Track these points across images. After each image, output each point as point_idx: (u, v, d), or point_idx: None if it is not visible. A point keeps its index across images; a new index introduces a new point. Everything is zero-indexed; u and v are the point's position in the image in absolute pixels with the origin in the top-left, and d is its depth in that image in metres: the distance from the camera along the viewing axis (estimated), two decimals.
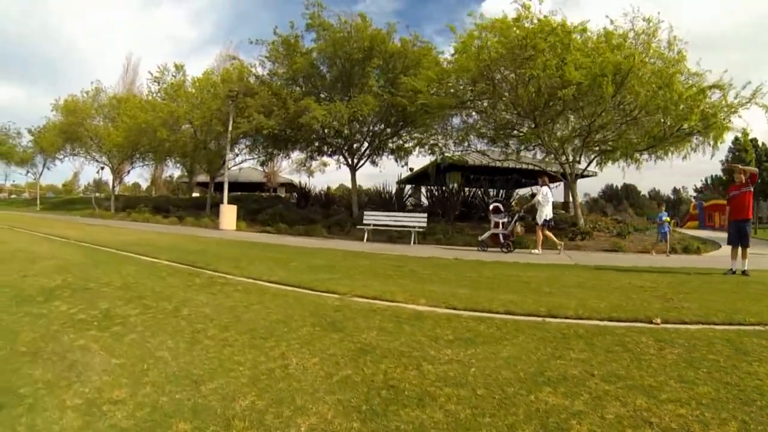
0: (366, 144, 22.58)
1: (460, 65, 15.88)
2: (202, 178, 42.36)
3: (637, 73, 14.17)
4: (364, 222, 16.71)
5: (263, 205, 26.39)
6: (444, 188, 23.80)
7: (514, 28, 14.84)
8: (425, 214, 16.33)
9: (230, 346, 3.49)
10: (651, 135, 15.90)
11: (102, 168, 35.90)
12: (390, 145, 22.71)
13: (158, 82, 24.93)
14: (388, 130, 22.04)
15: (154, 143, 24.43)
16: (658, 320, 4.44)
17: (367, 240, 15.73)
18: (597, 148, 18.12)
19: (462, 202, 22.90)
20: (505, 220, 13.37)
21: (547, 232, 13.00)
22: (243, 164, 28.75)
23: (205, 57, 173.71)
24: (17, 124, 51.50)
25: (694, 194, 74.03)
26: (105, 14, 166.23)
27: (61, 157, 36.91)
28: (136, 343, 3.54)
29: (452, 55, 17.36)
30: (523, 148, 19.76)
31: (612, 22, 15.12)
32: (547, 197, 13.13)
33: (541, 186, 13.52)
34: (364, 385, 2.74)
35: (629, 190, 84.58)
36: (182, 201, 33.59)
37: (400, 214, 17.98)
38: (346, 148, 22.69)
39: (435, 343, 3.63)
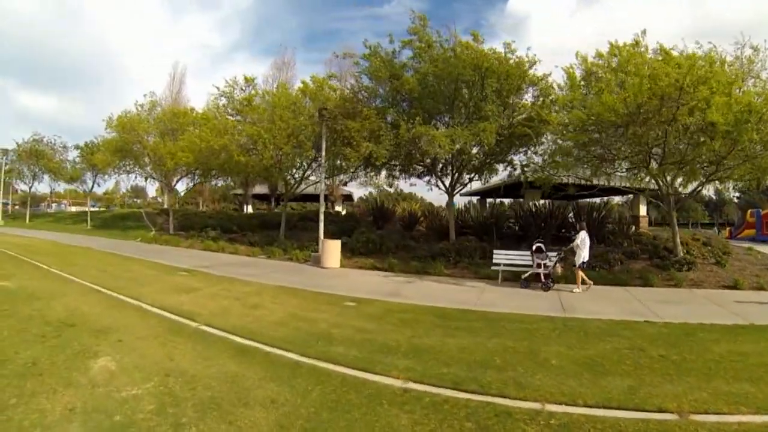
0: (452, 165, 19.07)
1: (605, 104, 12.93)
2: (258, 190, 39.32)
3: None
4: (494, 261, 14.62)
5: (342, 226, 23.24)
6: (536, 210, 20.92)
7: (666, 73, 12.50)
8: (555, 254, 13.51)
9: None
10: (758, 168, 13.92)
11: (146, 178, 32.92)
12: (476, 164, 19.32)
13: (226, 97, 21.10)
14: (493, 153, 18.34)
15: (230, 165, 20.55)
16: None
17: (502, 281, 14.11)
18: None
19: (557, 226, 20.00)
20: (546, 261, 13.03)
21: (582, 273, 12.69)
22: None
23: (230, 64, 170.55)
24: (63, 137, 48.41)
25: (737, 195, 69.50)
26: (136, 23, 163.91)
27: (115, 174, 32.87)
28: None
29: (572, 87, 14.87)
30: (614, 170, 17.24)
31: (715, 47, 13.26)
32: (585, 241, 12.82)
33: (579, 230, 13.22)
34: None
35: None
36: (244, 219, 30.20)
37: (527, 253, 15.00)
38: (439, 169, 19.56)
39: None
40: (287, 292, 11.38)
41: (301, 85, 20.02)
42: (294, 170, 22.92)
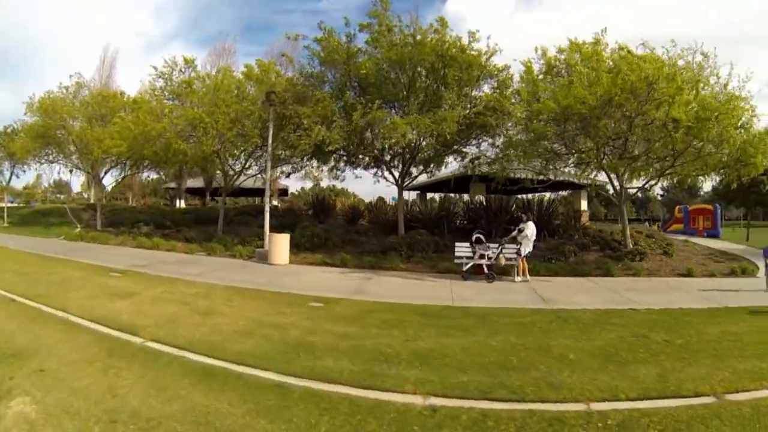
0: (403, 156, 17.88)
1: (576, 95, 12.74)
2: (192, 183, 36.23)
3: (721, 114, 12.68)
4: (457, 254, 13.21)
5: (282, 221, 21.52)
6: (486, 204, 20.37)
7: (639, 67, 12.64)
8: (496, 245, 12.92)
9: None
10: (707, 165, 14.36)
11: (71, 171, 29.35)
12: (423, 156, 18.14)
13: (164, 79, 18.41)
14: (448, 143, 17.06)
15: (167, 153, 18.06)
16: None
17: (464, 272, 12.61)
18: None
19: (507, 220, 19.48)
20: (489, 252, 12.48)
21: (524, 264, 12.50)
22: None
23: (166, 54, 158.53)
24: None
25: (661, 193, 73.44)
26: (65, 6, 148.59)
27: (36, 164, 28.40)
28: None
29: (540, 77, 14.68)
30: (563, 166, 17.45)
31: (667, 51, 13.47)
32: (534, 232, 12.66)
33: (527, 221, 12.89)
34: None
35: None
36: (177, 214, 27.53)
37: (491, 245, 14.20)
38: (388, 160, 18.41)
39: None
40: (240, 293, 9.76)
41: (245, 69, 18.00)
42: (234, 160, 20.91)
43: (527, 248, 12.45)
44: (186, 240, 19.26)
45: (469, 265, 12.56)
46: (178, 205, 36.75)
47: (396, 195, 32.20)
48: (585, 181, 20.08)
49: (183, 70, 17.94)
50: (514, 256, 12.50)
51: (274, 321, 7.21)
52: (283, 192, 38.07)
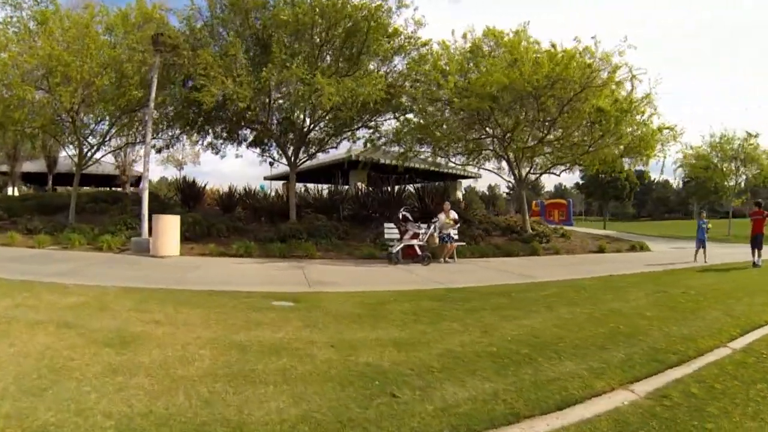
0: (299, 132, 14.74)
1: (521, 73, 12.23)
2: (30, 167, 28.07)
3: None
4: (387, 238, 11.75)
5: (149, 206, 16.84)
6: (379, 190, 18.26)
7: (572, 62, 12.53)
8: (426, 225, 11.34)
9: None
10: (605, 155, 14.81)
11: None
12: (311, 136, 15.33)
13: (11, 6, 12.01)
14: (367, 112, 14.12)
15: (7, 109, 11.86)
16: None
17: (393, 254, 10.59)
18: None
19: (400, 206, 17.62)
20: (421, 231, 10.76)
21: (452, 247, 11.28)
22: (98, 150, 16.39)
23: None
24: None
25: (507, 191, 78.69)
26: None
27: None
28: None
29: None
30: (454, 154, 16.84)
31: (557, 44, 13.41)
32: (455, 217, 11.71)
33: (450, 207, 11.92)
34: None
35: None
36: (14, 202, 20.27)
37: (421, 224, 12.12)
38: (278, 135, 15.00)
39: None
40: (153, 297, 5.67)
41: (119, 12, 12.87)
42: (95, 127, 15.45)
43: (452, 232, 11.29)
44: (28, 231, 13.67)
45: (399, 247, 10.44)
46: (10, 192, 28.41)
47: (263, 184, 28.75)
48: (472, 170, 19.52)
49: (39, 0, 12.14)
50: (428, 234, 11.02)
51: (261, 339, 3.90)
52: (137, 181, 31.75)
